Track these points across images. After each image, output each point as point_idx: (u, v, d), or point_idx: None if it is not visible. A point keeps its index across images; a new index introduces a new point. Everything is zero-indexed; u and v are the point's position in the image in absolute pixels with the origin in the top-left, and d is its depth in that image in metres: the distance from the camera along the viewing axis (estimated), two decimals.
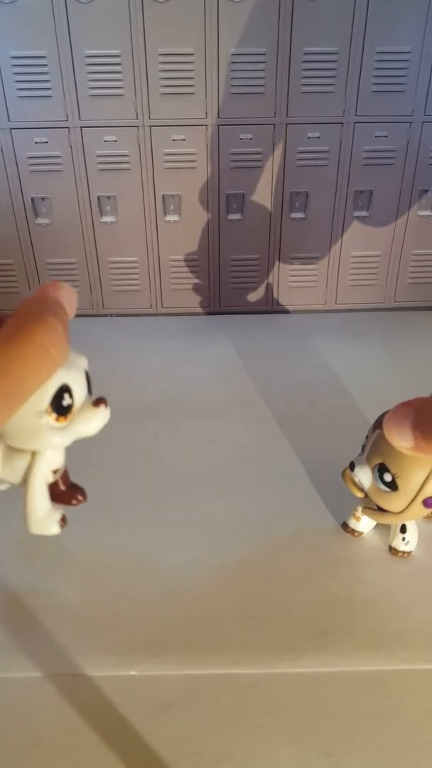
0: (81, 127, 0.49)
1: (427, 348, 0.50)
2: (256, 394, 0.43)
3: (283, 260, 0.55)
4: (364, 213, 0.53)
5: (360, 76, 0.48)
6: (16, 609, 0.26)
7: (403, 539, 0.29)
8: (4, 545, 0.29)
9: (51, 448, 0.25)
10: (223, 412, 0.41)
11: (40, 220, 0.52)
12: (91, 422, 0.24)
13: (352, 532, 0.30)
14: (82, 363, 0.24)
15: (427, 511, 0.26)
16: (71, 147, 0.49)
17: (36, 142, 0.49)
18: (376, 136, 0.50)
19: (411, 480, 0.25)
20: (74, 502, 0.29)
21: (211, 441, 0.38)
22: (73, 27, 0.45)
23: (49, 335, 0.17)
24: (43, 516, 0.26)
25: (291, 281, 0.56)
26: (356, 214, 0.53)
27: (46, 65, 0.46)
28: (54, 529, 0.27)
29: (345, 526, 0.31)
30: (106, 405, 0.25)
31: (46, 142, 0.49)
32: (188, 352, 0.50)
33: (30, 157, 0.50)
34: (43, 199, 0.52)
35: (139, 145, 0.50)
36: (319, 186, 0.52)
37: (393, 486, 0.25)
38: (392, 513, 0.26)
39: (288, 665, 0.24)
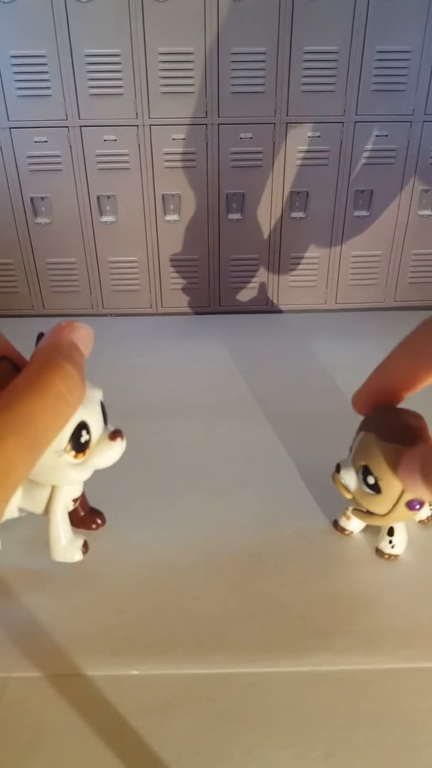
0: (80, 127, 0.49)
1: None
2: (256, 394, 0.43)
3: (283, 260, 0.55)
4: (364, 212, 0.53)
5: (360, 75, 0.48)
6: (15, 608, 0.26)
7: (390, 542, 0.29)
8: (4, 545, 0.29)
9: (71, 484, 0.25)
10: (223, 411, 0.41)
11: (40, 220, 0.52)
12: (108, 455, 0.25)
13: (342, 530, 0.30)
14: (98, 396, 0.24)
15: (412, 514, 0.26)
16: (71, 146, 0.49)
17: (35, 142, 0.49)
18: (376, 136, 0.50)
19: (392, 484, 0.25)
20: (94, 526, 0.30)
21: (211, 440, 0.38)
22: (73, 26, 0.45)
23: (67, 383, 0.18)
24: (66, 544, 0.27)
25: (291, 281, 0.56)
26: (356, 213, 0.53)
27: (45, 64, 0.46)
28: (77, 556, 0.28)
29: (336, 524, 0.31)
30: (122, 437, 0.25)
31: (46, 142, 0.49)
32: (188, 351, 0.50)
33: (29, 157, 0.50)
34: (42, 198, 0.52)
35: (139, 145, 0.50)
36: (320, 185, 0.52)
37: (376, 489, 0.25)
38: (378, 515, 0.26)
39: (288, 664, 0.24)
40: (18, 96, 0.47)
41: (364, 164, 0.51)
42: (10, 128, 0.49)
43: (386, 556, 0.29)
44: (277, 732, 0.22)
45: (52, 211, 0.52)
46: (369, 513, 0.26)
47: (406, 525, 0.29)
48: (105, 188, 0.51)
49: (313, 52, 0.47)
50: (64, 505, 0.27)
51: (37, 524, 0.28)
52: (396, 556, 0.29)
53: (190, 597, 0.27)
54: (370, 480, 0.25)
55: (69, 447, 0.23)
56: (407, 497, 0.25)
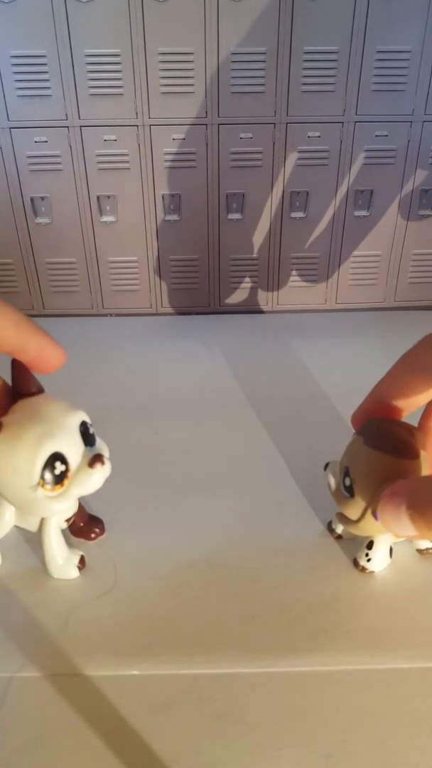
0: (80, 127, 0.49)
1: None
2: (256, 394, 0.43)
3: (283, 260, 0.55)
4: (364, 212, 0.53)
5: (360, 75, 0.48)
6: (14, 608, 0.26)
7: (366, 555, 0.28)
8: (2, 544, 0.29)
9: (55, 514, 0.25)
10: (223, 411, 0.41)
11: (40, 220, 0.52)
12: (89, 483, 0.23)
13: (332, 532, 0.30)
14: (75, 421, 0.24)
15: (381, 527, 0.25)
16: (71, 146, 0.49)
17: (35, 142, 0.49)
18: (376, 136, 0.50)
19: (364, 489, 0.24)
20: (92, 536, 0.29)
21: (211, 441, 0.38)
22: (73, 26, 0.45)
23: None
24: (63, 563, 0.27)
25: (291, 281, 0.56)
26: (356, 213, 0.53)
27: (45, 64, 0.46)
28: (73, 573, 0.28)
29: (329, 526, 0.31)
30: (102, 463, 0.23)
31: (46, 142, 0.49)
32: (188, 351, 0.50)
33: (29, 157, 0.50)
34: (42, 198, 0.52)
35: (139, 145, 0.50)
36: (320, 185, 0.52)
37: (351, 492, 0.25)
38: (351, 521, 0.26)
39: (288, 664, 0.24)
40: (18, 96, 0.47)
41: (364, 164, 0.51)
42: (10, 128, 0.49)
43: (360, 568, 0.28)
44: (277, 732, 0.22)
45: (52, 211, 0.52)
46: (345, 517, 0.26)
47: (395, 549, 0.28)
48: (105, 188, 0.51)
49: (313, 52, 0.47)
50: (56, 527, 0.27)
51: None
52: (370, 572, 0.28)
53: (190, 597, 0.27)
54: (347, 482, 0.25)
55: (42, 482, 0.22)
56: (376, 506, 0.24)
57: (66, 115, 0.48)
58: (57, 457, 0.23)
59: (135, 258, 0.55)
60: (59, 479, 0.23)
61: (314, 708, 0.23)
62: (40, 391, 0.24)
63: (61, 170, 0.50)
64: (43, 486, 0.23)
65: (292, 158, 0.51)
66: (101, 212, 0.53)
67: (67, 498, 0.24)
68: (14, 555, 0.29)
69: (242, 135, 0.50)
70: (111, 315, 0.57)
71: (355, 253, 0.55)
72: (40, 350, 0.23)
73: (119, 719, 0.22)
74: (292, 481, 0.34)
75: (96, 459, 0.24)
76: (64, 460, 0.23)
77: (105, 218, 0.53)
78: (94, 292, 0.56)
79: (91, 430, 0.25)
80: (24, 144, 0.49)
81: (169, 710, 0.23)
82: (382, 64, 0.47)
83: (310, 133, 0.50)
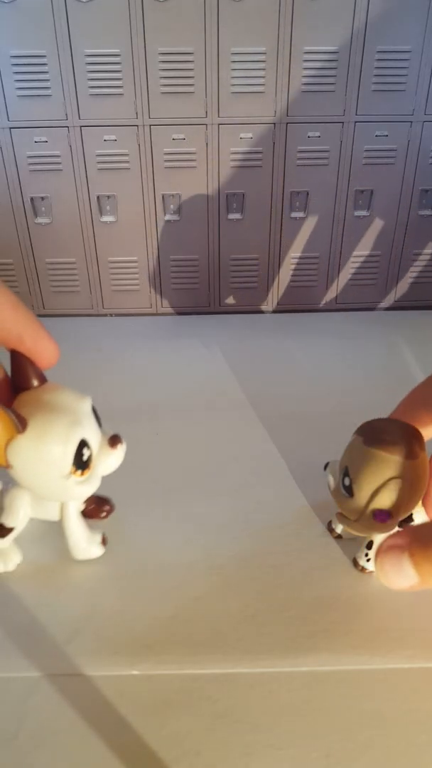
0: (80, 127, 0.49)
1: (427, 348, 0.50)
2: (256, 394, 0.43)
3: (283, 260, 0.55)
4: (364, 212, 0.53)
5: (360, 75, 0.48)
6: (14, 608, 0.26)
7: (366, 555, 0.28)
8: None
9: (81, 498, 0.26)
10: (223, 411, 0.41)
11: (40, 220, 0.52)
12: (110, 462, 0.25)
13: (332, 531, 0.30)
14: (88, 405, 0.24)
15: (382, 527, 0.24)
16: (71, 146, 0.49)
17: (35, 142, 0.49)
18: (376, 136, 0.50)
19: (363, 488, 0.24)
20: (103, 514, 0.30)
21: (211, 441, 0.38)
22: (73, 26, 0.45)
23: None
24: (86, 544, 0.27)
25: (291, 281, 0.56)
26: (356, 213, 0.53)
27: (45, 64, 0.46)
28: (98, 551, 0.28)
29: (329, 525, 0.31)
30: (122, 442, 0.25)
31: (46, 142, 0.49)
32: (188, 351, 0.50)
33: (29, 157, 0.50)
34: (42, 198, 0.52)
35: (139, 145, 0.50)
36: (320, 185, 0.52)
37: (350, 491, 0.25)
38: (351, 521, 0.26)
39: (289, 664, 0.24)
40: (18, 96, 0.47)
41: (364, 164, 0.51)
42: (10, 128, 0.49)
43: (359, 568, 0.28)
44: (278, 732, 0.22)
45: (52, 211, 0.52)
46: (344, 517, 0.26)
47: None
48: (105, 188, 0.51)
49: (313, 52, 0.47)
50: (77, 510, 0.27)
51: (33, 523, 0.28)
52: (370, 572, 0.28)
53: (190, 597, 0.27)
54: (347, 482, 0.25)
55: (74, 468, 0.23)
56: (376, 505, 0.24)
57: (66, 114, 0.48)
58: (84, 443, 0.23)
59: (135, 258, 0.55)
60: (86, 464, 0.23)
61: (314, 708, 0.23)
62: (43, 381, 0.24)
63: (61, 170, 0.50)
64: (74, 472, 0.23)
65: (292, 158, 0.51)
66: (101, 212, 0.53)
67: (94, 480, 0.25)
68: (10, 555, 0.29)
69: (242, 135, 0.50)
70: (111, 315, 0.57)
71: (355, 253, 0.55)
72: (36, 340, 0.23)
73: (119, 719, 0.22)
74: (292, 481, 0.34)
75: (116, 439, 0.25)
76: (88, 446, 0.23)
77: (105, 218, 0.53)
78: (94, 292, 0.56)
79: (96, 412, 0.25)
80: (24, 144, 0.49)
81: (169, 710, 0.23)
82: (383, 64, 0.47)
83: (310, 133, 0.50)
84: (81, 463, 0.23)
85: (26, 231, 0.53)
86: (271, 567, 0.29)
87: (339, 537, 0.30)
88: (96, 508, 0.29)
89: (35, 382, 0.24)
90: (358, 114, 0.49)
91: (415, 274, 0.56)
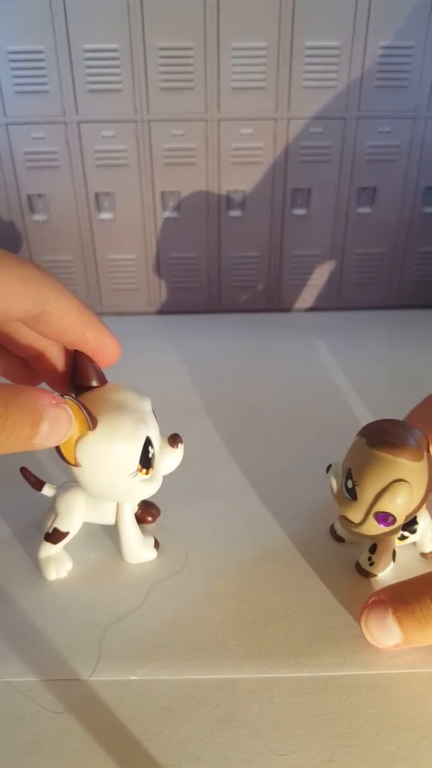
0: (78, 123, 0.48)
1: (431, 346, 0.49)
2: (257, 394, 0.43)
3: (285, 258, 0.55)
4: (367, 210, 0.53)
5: (363, 71, 0.47)
6: (12, 613, 0.26)
7: (369, 558, 0.27)
8: (3, 548, 0.29)
9: (144, 497, 0.26)
10: (223, 411, 0.41)
11: (37, 217, 0.52)
12: (171, 461, 0.25)
13: (334, 534, 0.30)
14: (149, 405, 0.24)
15: (386, 529, 0.25)
16: (68, 143, 0.49)
17: (33, 138, 0.49)
18: (379, 132, 0.50)
19: (367, 491, 0.24)
20: (150, 519, 0.30)
21: (211, 441, 0.38)
22: (71, 21, 0.44)
23: None
24: (142, 547, 0.27)
25: (292, 279, 0.56)
26: (359, 210, 0.53)
27: (43, 60, 0.46)
28: (152, 555, 0.28)
29: (331, 528, 0.30)
30: (182, 441, 0.26)
31: (43, 138, 0.49)
32: (188, 351, 0.49)
33: (26, 153, 0.49)
34: (39, 195, 0.51)
35: (138, 141, 0.49)
36: (322, 182, 0.51)
37: (353, 494, 0.25)
38: (354, 523, 0.25)
39: (289, 669, 0.24)
40: (15, 92, 0.47)
41: (366, 161, 0.51)
42: (7, 124, 0.48)
43: (362, 572, 0.28)
44: (278, 738, 0.22)
45: (49, 208, 0.52)
46: (347, 520, 0.26)
47: (399, 552, 0.28)
48: (103, 185, 0.51)
49: (314, 47, 0.46)
50: (132, 513, 0.27)
51: (24, 528, 0.28)
52: (374, 575, 0.28)
53: (190, 601, 0.27)
54: (350, 484, 0.25)
55: (140, 467, 0.23)
56: (379, 508, 0.24)
57: (64, 110, 0.48)
58: (149, 442, 0.23)
59: (134, 256, 0.54)
60: (151, 462, 0.24)
61: (315, 713, 0.22)
62: (103, 381, 0.24)
63: (58, 167, 0.50)
64: (141, 471, 0.23)
65: (294, 155, 0.50)
66: (99, 209, 0.52)
67: (157, 479, 0.25)
68: (11, 554, 0.29)
69: (243, 131, 0.49)
70: (109, 314, 0.57)
71: (358, 251, 0.55)
72: (100, 341, 0.22)
73: (119, 725, 0.22)
74: (294, 483, 0.34)
75: (176, 438, 0.25)
76: (152, 444, 0.24)
77: (103, 215, 0.52)
78: (92, 291, 0.56)
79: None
80: (21, 140, 0.49)
81: (169, 716, 0.22)
82: (385, 60, 0.47)
83: (312, 129, 0.49)
84: (147, 462, 0.23)
85: (23, 229, 0.52)
86: (271, 570, 0.28)
87: (341, 540, 0.30)
88: (144, 512, 0.30)
89: (95, 382, 0.24)
90: (360, 110, 0.49)
91: (419, 273, 0.56)
